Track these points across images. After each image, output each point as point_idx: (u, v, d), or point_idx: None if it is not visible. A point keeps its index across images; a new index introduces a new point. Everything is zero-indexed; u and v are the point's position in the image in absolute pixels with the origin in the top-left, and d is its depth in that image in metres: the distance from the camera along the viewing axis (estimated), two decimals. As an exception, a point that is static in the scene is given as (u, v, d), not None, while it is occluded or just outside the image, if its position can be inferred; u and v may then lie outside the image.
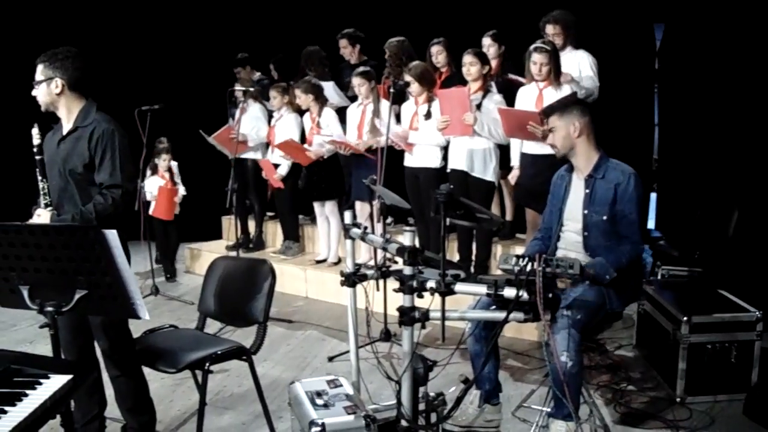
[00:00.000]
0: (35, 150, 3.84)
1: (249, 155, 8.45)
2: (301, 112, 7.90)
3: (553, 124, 4.31)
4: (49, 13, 9.45)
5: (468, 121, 6.10)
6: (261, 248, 8.88)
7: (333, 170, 7.53)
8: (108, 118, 3.91)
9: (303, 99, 7.44)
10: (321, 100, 7.51)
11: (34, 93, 3.92)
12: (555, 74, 5.80)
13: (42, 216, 3.80)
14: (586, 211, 4.24)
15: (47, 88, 3.85)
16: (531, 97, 5.97)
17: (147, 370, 4.10)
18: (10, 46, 8.97)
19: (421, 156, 6.69)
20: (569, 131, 4.23)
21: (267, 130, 8.31)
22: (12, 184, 8.68)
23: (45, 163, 3.85)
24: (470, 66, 6.18)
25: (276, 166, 7.89)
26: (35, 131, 3.85)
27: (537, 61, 5.80)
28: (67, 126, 3.92)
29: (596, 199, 4.20)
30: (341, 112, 7.60)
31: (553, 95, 5.73)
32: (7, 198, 8.26)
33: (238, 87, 8.26)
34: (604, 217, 4.16)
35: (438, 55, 7.24)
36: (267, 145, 8.25)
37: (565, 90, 5.78)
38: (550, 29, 6.29)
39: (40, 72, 3.87)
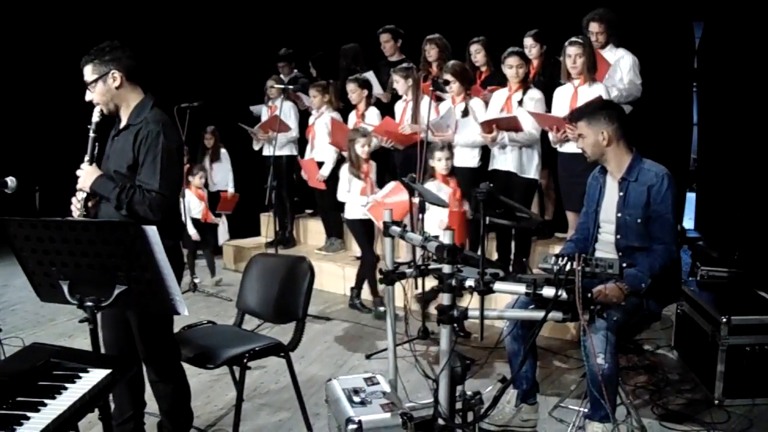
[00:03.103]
0: (91, 127, 3.73)
1: (284, 152, 8.52)
2: (339, 111, 7.96)
3: (581, 130, 4.24)
4: (89, 11, 9.58)
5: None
6: (291, 245, 8.92)
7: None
8: (158, 119, 3.72)
9: (357, 93, 7.46)
10: (369, 97, 7.55)
11: (88, 97, 3.75)
12: (589, 69, 5.81)
13: (86, 170, 3.72)
14: (620, 214, 4.18)
15: (104, 86, 3.70)
16: (566, 96, 5.98)
17: (184, 366, 4.10)
18: (54, 50, 9.11)
19: (458, 155, 6.64)
20: (598, 140, 4.16)
21: (297, 128, 8.45)
22: (51, 183, 8.82)
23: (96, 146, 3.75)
24: (518, 69, 6.16)
25: (319, 165, 7.87)
26: (98, 108, 3.74)
27: (571, 53, 5.87)
28: (122, 123, 3.80)
29: (630, 202, 4.14)
30: (389, 109, 7.60)
31: (587, 93, 5.72)
32: (47, 195, 8.41)
33: (274, 84, 8.34)
34: (638, 220, 4.10)
35: (477, 53, 7.23)
36: (305, 143, 8.29)
37: (598, 88, 5.76)
38: (594, 27, 6.32)
39: (91, 72, 3.70)
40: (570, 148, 5.91)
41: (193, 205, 7.97)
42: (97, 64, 3.70)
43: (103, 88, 3.70)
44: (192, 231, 7.93)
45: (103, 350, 3.92)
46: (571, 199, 5.99)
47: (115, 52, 3.72)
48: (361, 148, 6.74)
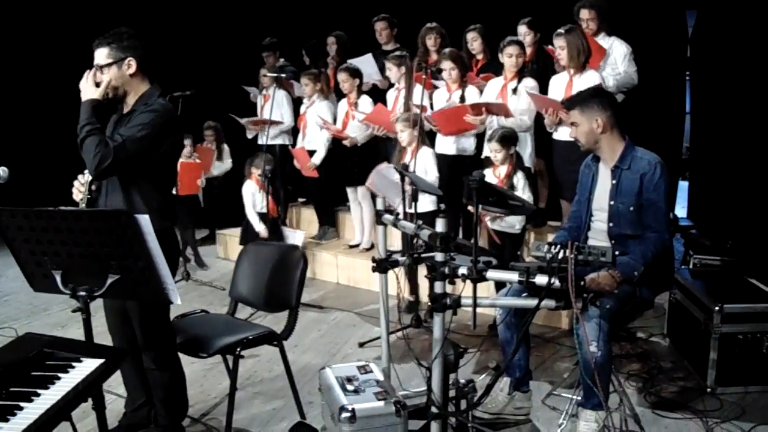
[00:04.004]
0: None
1: (278, 141, 8.49)
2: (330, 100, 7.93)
3: (574, 118, 4.23)
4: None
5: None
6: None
7: (366, 156, 7.44)
8: (163, 112, 3.68)
9: (350, 83, 7.41)
10: (361, 86, 7.53)
11: (97, 78, 3.67)
12: (579, 57, 5.80)
13: (89, 84, 3.64)
14: (612, 202, 4.18)
15: (119, 71, 3.67)
16: (562, 84, 5.97)
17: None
18: (46, 38, 9.05)
19: (454, 142, 6.65)
20: (592, 127, 4.14)
21: (291, 116, 8.39)
22: (43, 172, 8.82)
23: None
24: (517, 57, 6.15)
25: (311, 154, 7.86)
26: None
27: (555, 46, 5.93)
28: (127, 108, 3.77)
29: (622, 190, 4.14)
30: (382, 96, 7.58)
31: (582, 81, 5.72)
32: (40, 185, 8.38)
33: (266, 73, 8.31)
34: (631, 208, 4.10)
35: (473, 41, 7.21)
36: (297, 132, 8.28)
37: (594, 76, 5.76)
38: (584, 14, 6.31)
39: (107, 55, 3.66)
40: (565, 135, 5.89)
41: (257, 197, 7.66)
42: (114, 48, 3.67)
43: (117, 74, 3.69)
44: (260, 227, 7.61)
45: (110, 337, 4.01)
46: (568, 188, 5.97)
47: (133, 40, 3.72)
48: (401, 134, 6.35)
